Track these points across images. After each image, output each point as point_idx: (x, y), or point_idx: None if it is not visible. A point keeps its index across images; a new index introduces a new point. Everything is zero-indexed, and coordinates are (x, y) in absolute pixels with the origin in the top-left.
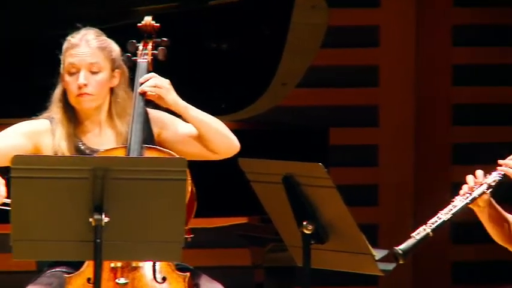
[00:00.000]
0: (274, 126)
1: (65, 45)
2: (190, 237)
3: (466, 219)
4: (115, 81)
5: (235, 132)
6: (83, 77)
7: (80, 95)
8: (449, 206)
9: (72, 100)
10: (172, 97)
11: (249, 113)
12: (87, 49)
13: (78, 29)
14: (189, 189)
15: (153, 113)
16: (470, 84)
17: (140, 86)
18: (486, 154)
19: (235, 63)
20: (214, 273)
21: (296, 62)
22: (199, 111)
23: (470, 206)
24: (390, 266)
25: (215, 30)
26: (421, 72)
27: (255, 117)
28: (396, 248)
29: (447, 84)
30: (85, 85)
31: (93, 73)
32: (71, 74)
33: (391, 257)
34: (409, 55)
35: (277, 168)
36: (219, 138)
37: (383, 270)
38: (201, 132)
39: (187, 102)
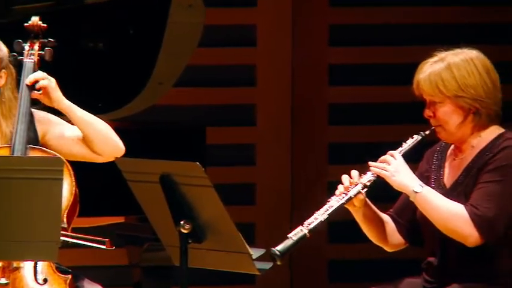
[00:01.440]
0: (151, 126)
1: None
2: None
3: (342, 219)
4: (1, 81)
5: None
6: None
7: None
8: (325, 206)
9: None
10: (58, 94)
11: (126, 112)
12: None
13: None
14: (73, 190)
15: (38, 113)
16: (347, 84)
17: (27, 86)
18: (362, 154)
19: (112, 62)
20: (91, 273)
21: (173, 61)
22: (84, 112)
23: (346, 206)
24: (267, 265)
25: (91, 30)
26: (297, 71)
27: (132, 116)
28: (273, 249)
29: (323, 83)
30: None
31: None
32: None
33: (268, 256)
34: (285, 55)
35: (154, 168)
36: (103, 140)
37: (260, 269)
38: (85, 133)
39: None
